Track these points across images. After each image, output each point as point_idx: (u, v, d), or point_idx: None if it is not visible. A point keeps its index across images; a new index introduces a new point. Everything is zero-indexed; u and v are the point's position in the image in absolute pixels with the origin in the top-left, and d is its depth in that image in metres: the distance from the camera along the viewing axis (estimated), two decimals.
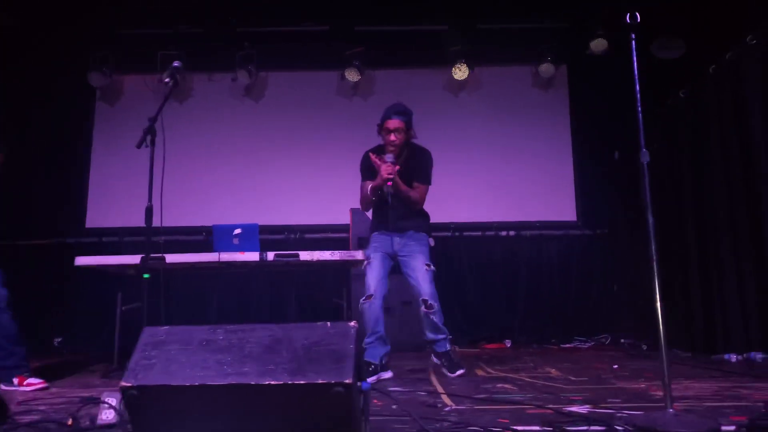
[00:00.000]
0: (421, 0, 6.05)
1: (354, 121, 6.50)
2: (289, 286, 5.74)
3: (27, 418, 2.15)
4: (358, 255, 3.59)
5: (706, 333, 4.59)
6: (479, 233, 6.36)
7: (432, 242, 3.49)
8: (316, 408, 1.45)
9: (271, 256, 3.65)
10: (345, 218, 5.87)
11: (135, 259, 3.69)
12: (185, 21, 6.28)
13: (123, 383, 1.46)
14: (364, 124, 6.44)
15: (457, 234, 6.33)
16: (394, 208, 3.33)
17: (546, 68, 6.30)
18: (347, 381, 1.43)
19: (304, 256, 3.67)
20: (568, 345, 5.69)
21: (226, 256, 3.64)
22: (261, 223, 5.82)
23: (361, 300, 3.31)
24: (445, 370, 3.24)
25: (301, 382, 1.43)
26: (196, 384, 1.44)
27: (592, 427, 1.79)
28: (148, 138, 2.69)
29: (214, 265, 3.77)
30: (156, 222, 6.03)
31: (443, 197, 6.37)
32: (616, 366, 3.89)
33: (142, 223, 6.26)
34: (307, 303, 5.58)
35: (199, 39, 6.35)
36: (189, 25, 6.29)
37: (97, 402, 2.04)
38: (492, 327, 5.96)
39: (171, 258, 3.67)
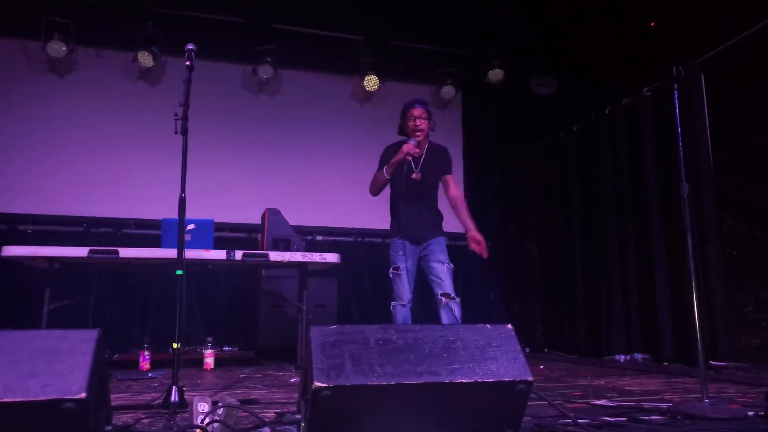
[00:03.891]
0: (339, 9, 6.11)
1: (260, 117, 6.38)
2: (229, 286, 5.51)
3: None
4: (330, 258, 3.58)
5: (590, 337, 5.32)
6: (380, 239, 6.56)
7: (446, 241, 3.58)
8: (496, 404, 1.53)
9: (239, 254, 3.48)
10: (252, 217, 5.72)
11: (81, 251, 3.26)
12: None
13: (316, 383, 1.39)
14: (270, 121, 6.41)
15: (359, 240, 6.46)
16: (413, 208, 3.40)
17: (447, 90, 6.75)
18: (529, 378, 1.53)
19: (274, 256, 3.56)
20: None
21: (192, 254, 3.37)
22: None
23: (393, 303, 3.33)
24: None
25: (490, 380, 1.50)
26: (393, 383, 1.43)
27: (653, 417, 2.08)
28: (179, 124, 2.42)
29: (170, 262, 3.47)
30: (21, 209, 5.43)
31: (347, 203, 6.60)
32: (542, 366, 4.34)
33: (50, 211, 5.56)
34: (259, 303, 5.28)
35: (91, 10, 5.72)
36: None
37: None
38: None
39: (126, 252, 3.31)
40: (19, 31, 5.67)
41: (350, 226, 6.39)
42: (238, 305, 5.76)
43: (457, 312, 3.25)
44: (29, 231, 5.37)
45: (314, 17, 6.13)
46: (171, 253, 3.32)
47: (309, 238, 6.17)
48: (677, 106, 2.34)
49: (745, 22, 4.14)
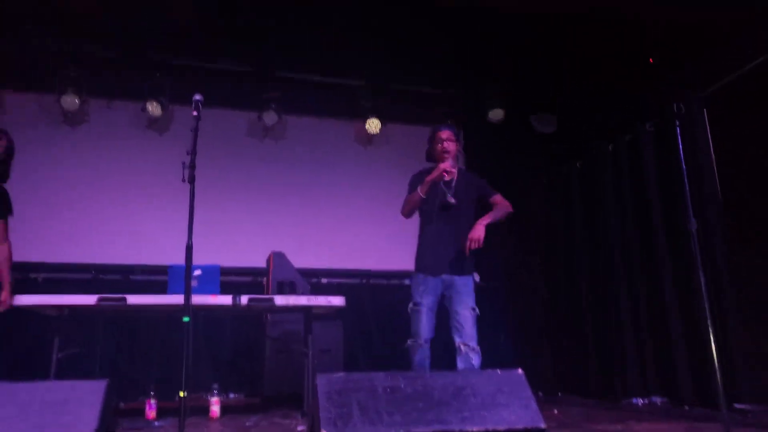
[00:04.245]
0: (340, 55, 6.23)
1: (265, 162, 6.45)
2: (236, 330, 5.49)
3: None
4: (335, 301, 3.56)
5: (604, 379, 5.18)
6: (384, 281, 6.52)
7: (478, 278, 3.46)
8: None
9: (245, 300, 3.47)
10: (257, 261, 5.72)
11: (90, 299, 3.27)
12: (90, 41, 5.77)
13: None
14: (275, 166, 6.47)
15: (364, 282, 6.42)
16: (443, 238, 3.27)
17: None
18: (541, 426, 1.50)
19: (279, 301, 3.54)
20: None
21: (198, 299, 3.37)
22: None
23: (410, 340, 3.23)
24: None
25: (502, 428, 1.47)
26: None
27: None
28: (186, 173, 2.46)
29: (177, 308, 3.46)
30: (32, 257, 5.45)
31: (352, 245, 6.59)
32: (556, 411, 4.23)
33: (61, 259, 5.59)
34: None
35: (103, 62, 5.87)
36: (96, 46, 5.78)
37: None
38: None
39: (133, 299, 3.31)
40: (35, 84, 5.82)
41: (355, 268, 6.36)
42: (243, 350, 5.71)
43: (476, 362, 3.10)
44: (40, 279, 5.39)
45: (316, 64, 6.24)
46: (178, 299, 3.29)
47: (314, 280, 6.14)
48: (680, 142, 2.36)
49: (749, 54, 4.16)
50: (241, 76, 6.22)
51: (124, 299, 3.36)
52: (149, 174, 5.94)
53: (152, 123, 6.17)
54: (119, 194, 5.90)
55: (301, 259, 5.54)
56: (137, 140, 6.13)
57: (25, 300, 3.26)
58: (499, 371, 1.55)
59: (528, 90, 6.54)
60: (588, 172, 5.62)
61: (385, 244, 6.55)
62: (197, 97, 2.69)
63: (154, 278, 5.48)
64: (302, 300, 3.64)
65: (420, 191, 3.28)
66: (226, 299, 3.49)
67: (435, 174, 3.23)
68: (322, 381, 1.44)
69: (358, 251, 6.45)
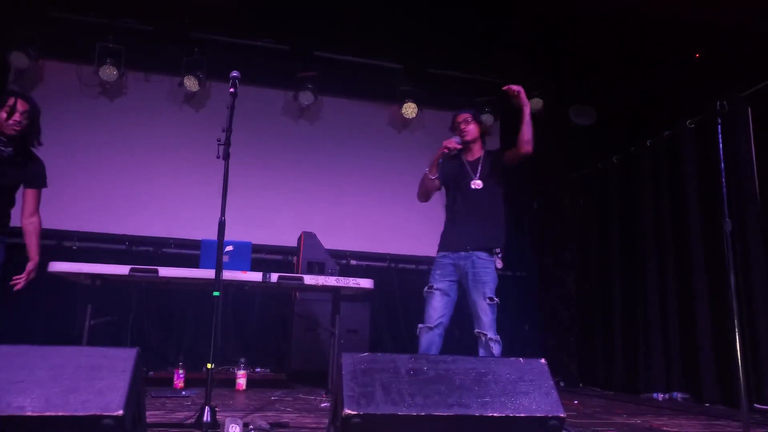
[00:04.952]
0: (378, 37, 6.23)
1: (299, 142, 6.51)
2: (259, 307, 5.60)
3: None
4: (363, 283, 3.62)
5: (627, 373, 5.17)
6: (413, 266, 6.55)
7: (500, 264, 3.21)
8: None
9: (274, 277, 3.54)
10: (289, 240, 5.81)
11: (122, 269, 3.38)
12: (130, 15, 5.88)
13: (346, 411, 1.41)
14: (308, 146, 6.52)
15: (392, 265, 6.47)
16: (469, 219, 3.20)
17: (485, 118, 6.73)
18: (561, 415, 1.51)
19: (309, 280, 3.61)
20: None
21: (229, 275, 3.45)
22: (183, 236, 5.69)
23: (420, 325, 3.22)
24: None
25: (522, 414, 1.49)
26: (423, 414, 1.44)
27: None
28: (221, 149, 2.51)
29: (208, 282, 3.54)
30: (68, 225, 5.60)
31: (381, 228, 6.64)
32: (576, 402, 4.24)
33: (95, 228, 5.74)
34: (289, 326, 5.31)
35: (142, 36, 5.97)
36: (135, 20, 5.88)
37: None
38: None
39: (165, 272, 3.41)
40: (74, 55, 5.93)
41: (384, 251, 6.42)
42: (271, 327, 5.82)
43: (496, 351, 3.05)
44: (74, 247, 5.54)
45: (354, 45, 6.27)
46: (209, 273, 3.38)
47: (343, 262, 6.22)
48: (721, 140, 2.31)
49: None
50: (279, 55, 6.28)
51: (156, 271, 3.45)
52: (184, 149, 6.04)
53: (189, 98, 6.27)
54: (155, 167, 6.01)
55: (331, 241, 5.62)
56: (174, 115, 6.23)
57: (59, 267, 3.36)
58: (521, 360, 1.57)
59: (568, 81, 6.44)
60: (625, 167, 5.54)
61: (415, 229, 6.56)
62: (234, 73, 2.72)
63: (186, 252, 5.62)
64: (331, 281, 3.70)
65: (429, 172, 3.31)
66: (256, 276, 3.55)
67: (439, 152, 3.24)
68: (347, 360, 1.48)
69: (388, 235, 6.49)
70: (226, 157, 2.56)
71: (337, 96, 6.64)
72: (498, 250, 3.20)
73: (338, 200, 6.46)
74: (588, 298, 6.00)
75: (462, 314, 3.33)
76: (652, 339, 4.89)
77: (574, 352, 6.12)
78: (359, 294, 4.27)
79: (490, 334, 3.08)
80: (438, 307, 3.18)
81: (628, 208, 5.43)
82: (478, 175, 3.33)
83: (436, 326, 3.17)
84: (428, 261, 6.41)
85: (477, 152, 3.44)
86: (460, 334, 4.72)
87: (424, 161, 6.77)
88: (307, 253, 5.37)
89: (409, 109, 6.51)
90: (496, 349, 3.06)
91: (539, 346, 6.53)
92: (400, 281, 6.40)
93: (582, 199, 6.34)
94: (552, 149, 6.79)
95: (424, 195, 3.45)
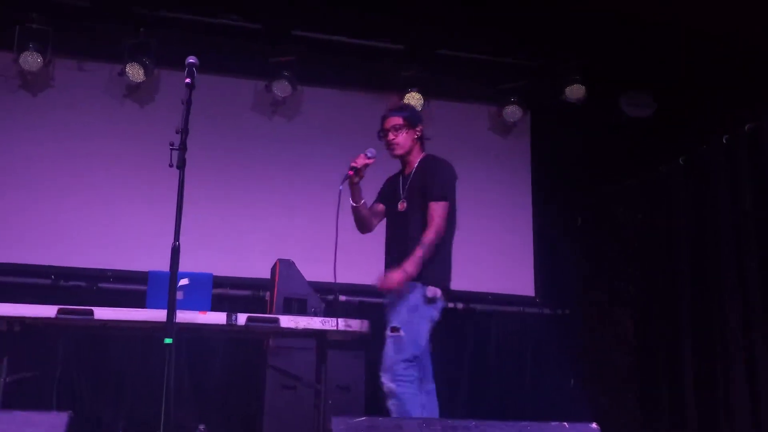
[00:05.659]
0: (373, 12, 6.24)
1: (273, 145, 6.53)
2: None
3: None
4: (356, 325, 3.61)
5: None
6: None
7: (431, 293, 3.42)
8: None
9: (242, 319, 3.54)
10: (260, 271, 5.80)
11: (48, 310, 3.38)
12: None
13: None
14: (285, 150, 6.54)
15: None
16: (397, 252, 3.46)
17: (512, 111, 6.78)
18: None
19: (286, 322, 3.60)
20: None
21: (185, 316, 3.43)
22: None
23: None
24: None
25: None
26: None
27: None
28: (175, 156, 2.52)
29: (158, 326, 3.54)
30: None
31: (376, 256, 6.62)
32: None
33: (11, 259, 5.72)
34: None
35: (74, 13, 6.01)
36: None
37: None
38: None
39: (101, 313, 3.41)
40: None
41: None
42: (238, 384, 5.79)
43: (394, 408, 3.09)
44: None
45: (342, 22, 6.28)
46: (159, 315, 3.36)
47: (330, 297, 6.16)
48: None
49: None
50: (248, 35, 6.30)
51: (91, 312, 3.44)
52: (127, 156, 6.08)
53: (132, 91, 6.30)
54: (88, 180, 6.03)
55: (314, 271, 5.57)
56: (113, 112, 6.26)
57: None
58: (566, 425, 1.56)
59: (618, 62, 6.45)
60: (695, 170, 5.57)
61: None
62: (191, 59, 2.77)
63: (128, 287, 5.62)
64: (315, 322, 3.69)
65: (351, 199, 3.59)
66: (219, 317, 3.54)
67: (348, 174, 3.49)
68: (338, 426, 1.48)
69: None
70: (181, 165, 2.58)
71: (321, 86, 6.67)
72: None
73: (323, 219, 6.39)
74: (651, 340, 5.99)
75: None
76: (734, 397, 4.87)
77: (635, 413, 6.09)
78: (351, 339, 4.26)
79: (384, 378, 3.10)
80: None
81: (700, 223, 5.45)
82: (404, 192, 3.53)
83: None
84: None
85: (413, 163, 3.60)
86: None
87: None
88: (283, 287, 5.31)
89: (413, 100, 6.54)
90: (392, 404, 3.08)
91: (589, 404, 6.50)
92: None
93: (640, 212, 6.35)
94: (598, 150, 6.84)
95: (360, 225, 3.74)
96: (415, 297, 3.35)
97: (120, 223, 5.94)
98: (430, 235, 3.38)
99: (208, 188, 5.94)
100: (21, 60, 5.80)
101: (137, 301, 3.95)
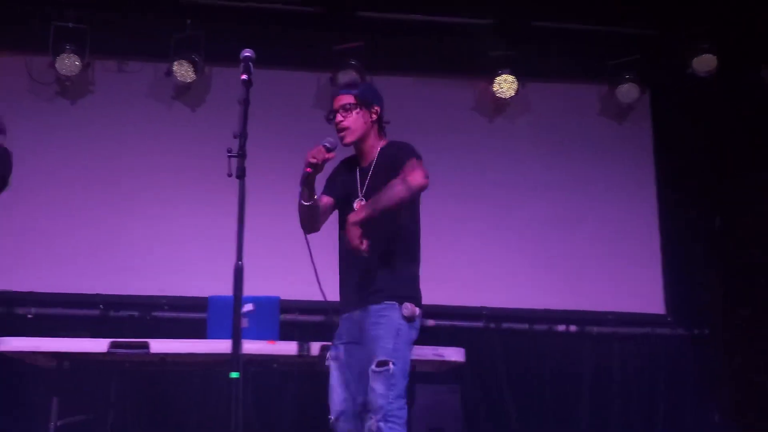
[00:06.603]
0: None
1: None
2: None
3: None
4: (449, 354, 3.67)
5: None
6: (525, 325, 6.52)
7: (407, 311, 3.14)
8: None
9: (315, 348, 3.64)
10: (333, 293, 5.91)
11: (98, 344, 3.59)
12: None
13: None
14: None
15: (492, 326, 6.46)
16: (356, 259, 3.18)
17: (627, 91, 6.69)
18: None
19: None
20: None
21: (251, 346, 3.57)
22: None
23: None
24: None
25: None
26: None
27: None
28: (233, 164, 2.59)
29: (220, 359, 3.68)
30: (19, 285, 5.83)
31: (469, 272, 6.59)
32: None
33: (57, 288, 5.99)
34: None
35: (113, 8, 6.30)
36: None
37: None
38: None
39: (158, 346, 3.59)
40: (22, 43, 6.29)
41: (477, 304, 6.40)
42: (312, 420, 5.84)
43: None
44: (30, 315, 5.82)
45: None
46: (222, 346, 3.46)
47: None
48: None
49: None
50: (308, 22, 6.49)
51: (147, 345, 3.60)
52: (178, 166, 6.29)
53: (182, 92, 6.53)
54: (135, 196, 6.25)
55: None
56: (161, 117, 6.51)
57: (9, 344, 3.54)
58: None
59: (758, 27, 6.29)
60: None
61: (525, 273, 6.55)
62: (247, 52, 2.78)
63: (186, 315, 5.79)
64: None
65: (300, 197, 3.27)
66: (290, 347, 3.68)
67: (304, 172, 3.17)
68: None
69: (483, 280, 6.48)
70: (241, 174, 2.61)
71: (392, 74, 6.72)
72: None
73: None
74: None
75: None
76: None
77: None
78: (444, 371, 4.30)
79: (377, 418, 2.95)
80: (339, 387, 3.23)
81: None
82: (363, 189, 3.30)
83: (338, 417, 3.21)
84: (549, 317, 6.43)
85: (371, 152, 3.36)
86: None
87: (530, 159, 6.81)
88: None
89: (506, 84, 6.56)
90: None
91: None
92: (504, 349, 6.41)
93: None
94: (736, 133, 6.68)
95: (307, 224, 3.39)
96: (394, 319, 3.14)
97: (173, 243, 6.14)
98: (418, 178, 3.05)
99: (272, 199, 6.00)
100: (57, 64, 6.08)
101: (196, 330, 4.09)
